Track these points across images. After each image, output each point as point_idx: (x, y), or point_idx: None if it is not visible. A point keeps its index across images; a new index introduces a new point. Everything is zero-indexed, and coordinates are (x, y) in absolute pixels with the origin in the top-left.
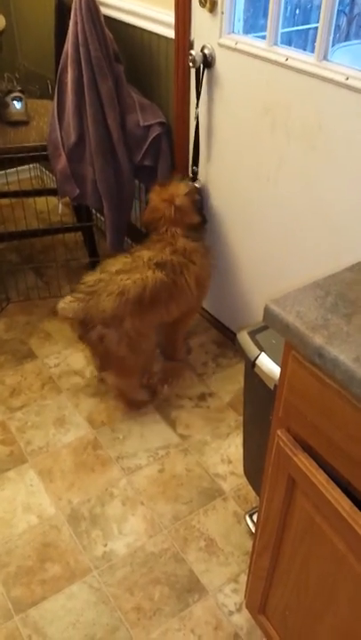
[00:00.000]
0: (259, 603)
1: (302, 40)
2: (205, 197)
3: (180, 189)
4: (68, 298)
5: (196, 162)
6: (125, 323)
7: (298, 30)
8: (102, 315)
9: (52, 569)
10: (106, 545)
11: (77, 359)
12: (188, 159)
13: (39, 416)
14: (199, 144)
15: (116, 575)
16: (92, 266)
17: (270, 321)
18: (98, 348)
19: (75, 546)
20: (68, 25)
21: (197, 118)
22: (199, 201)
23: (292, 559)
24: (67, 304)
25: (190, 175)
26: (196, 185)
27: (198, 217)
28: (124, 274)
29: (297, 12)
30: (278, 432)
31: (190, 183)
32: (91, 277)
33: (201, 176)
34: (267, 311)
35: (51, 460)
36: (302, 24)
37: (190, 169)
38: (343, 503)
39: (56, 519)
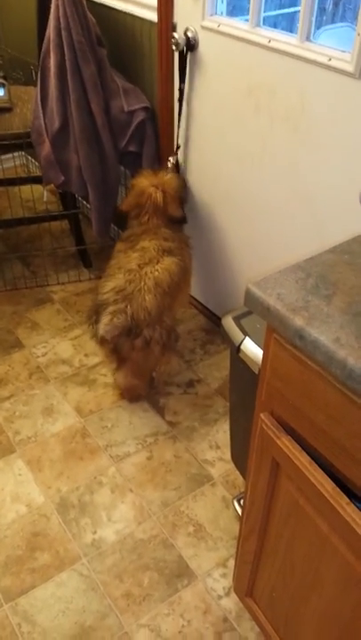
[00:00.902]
0: (246, 586)
1: (288, 23)
2: (188, 182)
3: (169, 178)
4: (105, 318)
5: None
6: (164, 317)
7: (284, 14)
8: (148, 316)
9: (42, 557)
10: (95, 532)
11: (65, 348)
12: (173, 143)
13: (27, 405)
14: (180, 121)
15: (106, 562)
16: (81, 254)
17: (251, 304)
18: (135, 355)
19: (64, 534)
20: (49, 9)
21: (180, 100)
22: (184, 197)
23: (278, 542)
24: (108, 324)
25: (173, 156)
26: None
27: (181, 211)
28: (147, 267)
29: None
30: (261, 415)
31: (179, 176)
32: (113, 282)
33: (184, 159)
34: (248, 294)
35: (39, 450)
36: (289, 7)
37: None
38: (326, 485)
39: (45, 508)
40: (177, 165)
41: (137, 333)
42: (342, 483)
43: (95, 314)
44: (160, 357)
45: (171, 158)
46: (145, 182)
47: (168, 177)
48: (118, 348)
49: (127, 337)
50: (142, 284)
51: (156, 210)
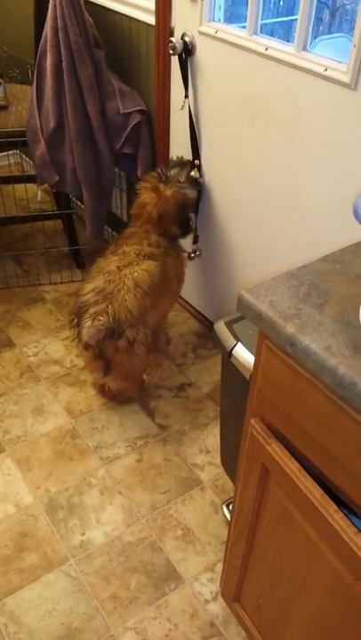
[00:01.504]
0: (234, 591)
1: (285, 31)
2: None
3: (171, 195)
4: (87, 322)
5: (196, 155)
6: (147, 317)
7: (281, 22)
8: (130, 316)
9: (29, 558)
10: (83, 534)
11: (56, 348)
12: (168, 147)
13: (17, 405)
14: (196, 136)
15: (93, 564)
16: (74, 255)
17: (244, 310)
18: (120, 357)
19: (52, 535)
20: (47, 8)
21: (190, 109)
22: (188, 214)
23: (266, 547)
24: (90, 327)
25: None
26: (189, 192)
27: (178, 229)
28: (126, 268)
29: (281, 3)
30: (252, 421)
31: (185, 193)
32: (92, 283)
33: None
34: (240, 300)
35: (29, 450)
36: (286, 15)
37: (192, 163)
38: (315, 492)
39: (33, 508)
40: (195, 179)
41: (120, 334)
42: (331, 490)
43: (76, 316)
44: (146, 359)
45: (193, 172)
46: (146, 196)
47: (171, 193)
48: (103, 351)
49: (110, 338)
50: (122, 284)
51: (152, 225)
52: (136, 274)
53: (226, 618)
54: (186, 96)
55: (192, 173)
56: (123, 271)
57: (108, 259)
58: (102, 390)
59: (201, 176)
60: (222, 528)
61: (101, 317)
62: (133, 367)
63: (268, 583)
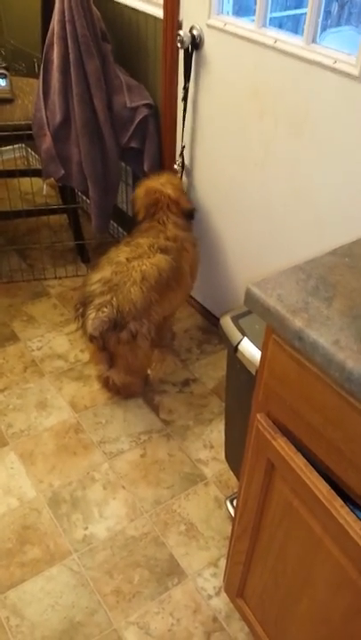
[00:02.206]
0: (237, 586)
1: (294, 24)
2: (191, 181)
3: (170, 176)
4: (91, 313)
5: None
6: (152, 311)
7: (290, 15)
8: (134, 308)
9: (32, 551)
10: (86, 528)
11: (60, 342)
12: (175, 141)
13: (21, 399)
14: (183, 124)
15: (96, 558)
16: (79, 249)
17: (251, 304)
18: (122, 349)
19: (55, 529)
20: (54, 1)
21: (185, 99)
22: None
23: (270, 543)
24: (95, 318)
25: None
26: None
27: (191, 203)
28: (135, 260)
29: None
30: (258, 416)
31: (178, 176)
32: (100, 274)
33: (187, 160)
34: (248, 294)
35: (32, 443)
36: (295, 8)
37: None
38: (321, 487)
39: (37, 502)
40: (183, 167)
41: (122, 326)
42: (337, 485)
43: (82, 306)
44: (150, 353)
45: (177, 160)
46: (150, 183)
47: (167, 176)
48: (106, 343)
49: (113, 330)
50: (129, 276)
51: (168, 205)
52: (145, 267)
53: (229, 613)
54: (185, 87)
55: (175, 166)
56: (131, 263)
57: (119, 249)
58: (107, 384)
59: (182, 165)
60: (226, 523)
61: (105, 309)
62: (136, 360)
63: (272, 579)
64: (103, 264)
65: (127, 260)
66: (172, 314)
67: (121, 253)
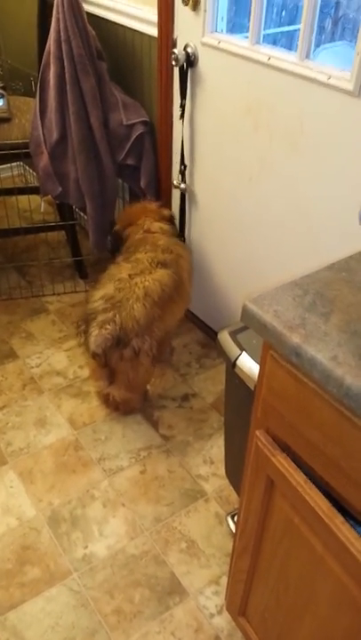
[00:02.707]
0: (239, 605)
1: (288, 41)
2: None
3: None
4: (94, 331)
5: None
6: (154, 327)
7: (283, 31)
8: (137, 325)
9: (32, 572)
10: (86, 547)
11: (59, 359)
12: (171, 158)
13: (20, 417)
14: (182, 144)
15: (97, 578)
16: (77, 265)
17: (248, 320)
18: (124, 366)
19: (55, 548)
20: (50, 21)
21: (182, 117)
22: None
23: (272, 560)
24: (97, 335)
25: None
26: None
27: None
28: (137, 277)
29: (283, 13)
30: (257, 432)
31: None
32: (102, 291)
33: (188, 182)
34: (245, 310)
35: (31, 462)
36: (289, 25)
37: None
38: (321, 504)
39: (36, 521)
40: (183, 183)
41: (125, 343)
42: (338, 502)
43: (85, 323)
44: (151, 369)
45: (175, 181)
46: (128, 208)
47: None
48: (108, 360)
49: (116, 347)
50: (132, 293)
51: (151, 211)
52: (147, 283)
53: (231, 632)
54: (182, 105)
55: (174, 182)
56: (134, 279)
57: (120, 266)
58: (106, 400)
59: (184, 182)
60: (227, 540)
61: (108, 326)
62: (137, 377)
63: (274, 597)
64: (105, 281)
65: (129, 276)
66: (173, 328)
67: (123, 270)
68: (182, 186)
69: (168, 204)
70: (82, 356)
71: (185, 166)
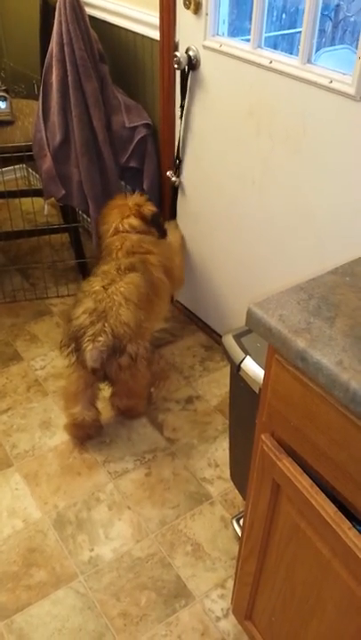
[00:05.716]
0: (245, 608)
1: (288, 44)
2: (189, 199)
3: (140, 197)
4: (88, 346)
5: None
6: (143, 329)
7: (284, 34)
8: (128, 329)
9: (38, 574)
10: (92, 550)
11: (64, 362)
12: (173, 161)
13: (25, 419)
14: (180, 138)
15: (103, 580)
16: (80, 268)
17: (253, 324)
18: (123, 374)
19: (60, 551)
20: (52, 24)
21: (181, 117)
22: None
23: (278, 565)
24: (92, 349)
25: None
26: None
27: (154, 207)
28: (111, 287)
29: (283, 16)
30: (262, 436)
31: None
32: (82, 307)
33: (184, 178)
34: (249, 314)
35: (36, 464)
36: (289, 28)
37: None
38: (328, 508)
39: (42, 524)
40: (177, 174)
41: (121, 350)
42: (344, 506)
43: (73, 341)
44: (147, 374)
45: (169, 173)
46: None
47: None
48: (107, 372)
49: (113, 356)
50: (112, 301)
51: (130, 208)
52: (122, 289)
53: (237, 635)
54: (181, 105)
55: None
56: (108, 290)
57: (90, 281)
58: (78, 430)
59: (178, 176)
60: (233, 543)
61: (100, 337)
62: (137, 383)
63: (281, 601)
64: (81, 298)
65: (103, 287)
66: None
67: (94, 283)
68: (173, 179)
69: (171, 206)
70: (76, 371)
71: (180, 161)
